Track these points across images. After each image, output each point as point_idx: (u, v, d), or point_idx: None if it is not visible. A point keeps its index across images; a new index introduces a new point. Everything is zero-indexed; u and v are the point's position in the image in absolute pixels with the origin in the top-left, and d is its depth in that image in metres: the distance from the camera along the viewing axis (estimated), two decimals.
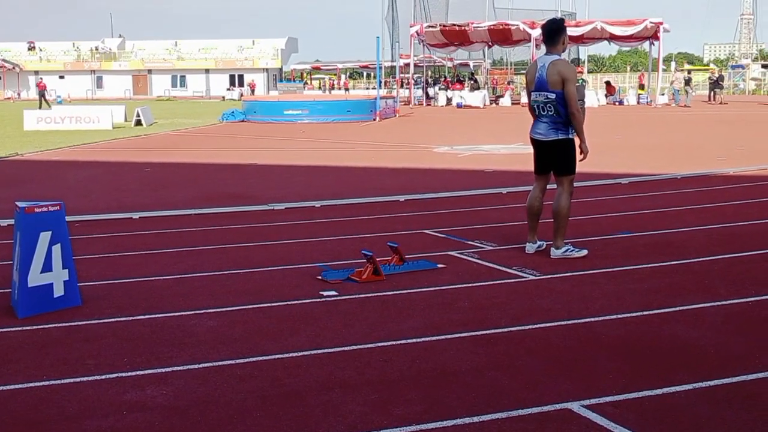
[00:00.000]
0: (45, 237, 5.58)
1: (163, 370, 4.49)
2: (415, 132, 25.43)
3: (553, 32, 7.10)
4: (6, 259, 7.15)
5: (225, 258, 7.46)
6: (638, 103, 45.79)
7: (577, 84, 7.71)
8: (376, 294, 6.02)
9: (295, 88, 67.43)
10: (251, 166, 15.81)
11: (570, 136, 7.10)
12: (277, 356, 4.70)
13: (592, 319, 5.35)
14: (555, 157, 7.14)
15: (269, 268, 7.00)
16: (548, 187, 7.40)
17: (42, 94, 46.94)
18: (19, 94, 74.60)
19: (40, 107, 39.29)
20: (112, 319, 5.47)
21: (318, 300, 5.91)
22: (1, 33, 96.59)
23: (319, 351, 4.76)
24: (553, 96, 6.94)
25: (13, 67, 79.05)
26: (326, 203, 10.64)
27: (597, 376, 4.32)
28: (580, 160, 7.21)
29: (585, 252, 7.13)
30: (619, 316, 5.42)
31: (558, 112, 6.97)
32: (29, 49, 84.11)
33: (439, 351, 4.77)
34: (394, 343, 4.92)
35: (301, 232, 8.81)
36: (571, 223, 7.35)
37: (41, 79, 58.74)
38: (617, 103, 46.16)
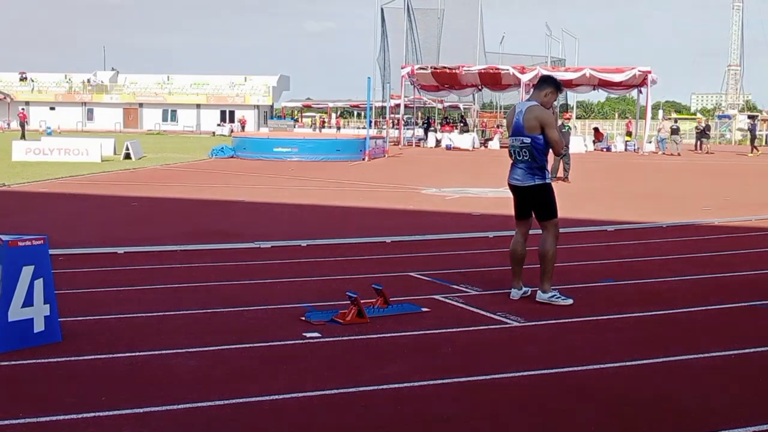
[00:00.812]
0: (27, 271, 5.54)
1: (142, 410, 4.43)
2: (404, 173, 25.52)
3: (540, 81, 7.30)
4: None
5: (209, 296, 7.42)
6: (626, 150, 46.16)
7: (562, 130, 7.81)
8: (359, 337, 5.99)
9: (286, 125, 67.66)
10: (239, 203, 15.80)
11: (547, 181, 7.18)
12: (258, 398, 4.65)
13: (577, 369, 5.33)
14: (533, 202, 7.21)
15: (254, 308, 6.96)
16: (531, 232, 7.43)
17: (23, 124, 47.22)
18: (8, 124, 74.54)
19: (22, 137, 39.48)
20: (92, 357, 5.41)
21: (301, 341, 5.87)
22: None
23: (301, 394, 4.72)
24: (528, 141, 7.04)
25: (4, 97, 79.09)
26: (313, 242, 10.63)
27: (582, 429, 4.29)
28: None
29: (570, 301, 7.12)
30: (604, 366, 5.40)
31: (533, 157, 7.06)
32: (21, 80, 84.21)
33: (422, 397, 4.74)
34: (376, 387, 4.88)
35: (287, 271, 8.79)
36: (557, 270, 7.36)
37: (22, 109, 58.86)
38: (605, 150, 46.52)
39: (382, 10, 59.47)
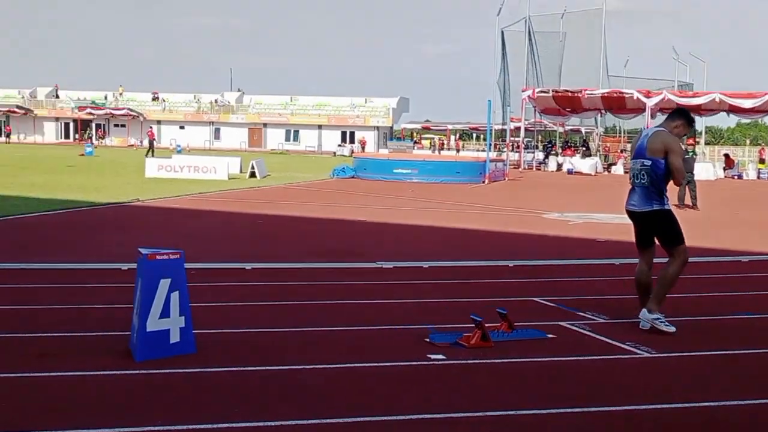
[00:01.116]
0: (165, 284, 5.76)
1: (272, 423, 4.52)
2: (525, 196, 25.26)
3: (674, 112, 7.38)
4: (122, 303, 7.42)
5: (333, 314, 7.52)
6: (758, 178, 44.27)
7: (686, 156, 7.64)
8: (484, 361, 5.94)
9: (405, 146, 68.14)
10: (360, 223, 15.99)
11: (665, 207, 6.98)
12: (382, 418, 4.67)
13: (711, 404, 5.12)
14: (654, 229, 7.05)
15: (377, 327, 7.01)
16: (656, 260, 7.22)
17: (151, 142, 49.78)
18: (141, 142, 77.92)
19: (149, 154, 41.67)
20: (224, 369, 5.56)
21: (425, 363, 5.87)
22: (128, 84, 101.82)
23: (428, 416, 4.71)
24: (648, 163, 6.90)
25: (138, 116, 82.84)
26: (434, 264, 10.63)
27: None
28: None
29: (673, 329, 6.83)
30: (740, 402, 5.17)
31: (652, 181, 6.91)
32: (153, 99, 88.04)
33: (549, 425, 4.65)
34: (502, 413, 4.82)
35: (409, 292, 8.81)
36: (688, 299, 7.13)
37: (151, 127, 61.60)
38: (736, 177, 44.75)
39: (502, 32, 59.28)
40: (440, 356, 6.00)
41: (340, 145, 74.89)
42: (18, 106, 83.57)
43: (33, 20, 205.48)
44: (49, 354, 5.83)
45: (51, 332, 6.48)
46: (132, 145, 76.15)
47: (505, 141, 52.14)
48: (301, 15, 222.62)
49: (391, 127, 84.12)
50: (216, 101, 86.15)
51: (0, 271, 9.21)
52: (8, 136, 79.50)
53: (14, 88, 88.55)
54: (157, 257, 5.75)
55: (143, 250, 5.79)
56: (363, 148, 72.09)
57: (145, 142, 61.48)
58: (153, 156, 38.28)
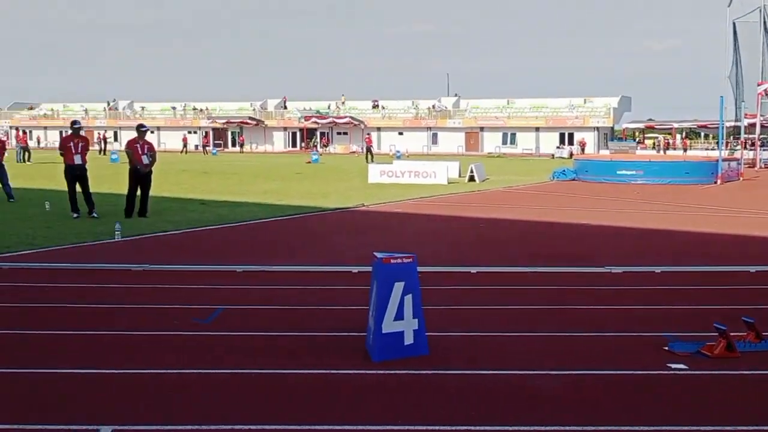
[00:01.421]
0: (399, 287, 5.88)
1: (508, 428, 4.49)
2: (764, 197, 23.60)
3: None
4: (354, 304, 7.67)
5: (564, 319, 7.37)
6: None
7: None
8: (731, 372, 5.58)
9: (628, 147, 65.85)
10: (583, 226, 15.59)
11: None
12: (621, 427, 4.50)
13: None
14: None
15: (609, 333, 6.79)
16: None
17: (368, 148, 51.53)
18: (362, 149, 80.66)
19: (368, 160, 43.40)
20: (457, 372, 5.60)
21: (665, 372, 5.60)
22: (350, 92, 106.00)
23: (674, 428, 4.49)
24: None
25: (359, 124, 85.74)
26: (667, 269, 10.15)
27: None
28: None
29: None
30: None
31: None
32: (373, 107, 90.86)
33: None
34: (755, 428, 4.50)
35: (642, 297, 8.47)
36: None
37: (368, 134, 63.66)
38: None
39: (734, 24, 55.86)
40: (681, 366, 5.71)
41: (558, 147, 73.65)
42: (250, 118, 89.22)
43: (265, 37, 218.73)
44: (291, 352, 6.13)
45: (290, 331, 6.81)
46: (354, 152, 78.92)
47: (737, 138, 49.06)
48: (519, 16, 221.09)
49: (612, 128, 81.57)
50: (433, 107, 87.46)
51: (248, 273, 9.82)
52: (242, 145, 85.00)
53: (247, 101, 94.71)
54: (392, 261, 5.88)
55: (378, 254, 5.94)
56: (583, 149, 70.44)
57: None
58: (372, 162, 39.54)
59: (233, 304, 7.95)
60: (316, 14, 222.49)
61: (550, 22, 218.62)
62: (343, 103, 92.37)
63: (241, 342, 6.48)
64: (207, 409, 4.82)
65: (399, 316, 5.88)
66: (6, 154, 20.27)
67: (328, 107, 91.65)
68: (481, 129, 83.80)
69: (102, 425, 4.52)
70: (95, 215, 15.45)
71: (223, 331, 6.80)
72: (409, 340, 5.92)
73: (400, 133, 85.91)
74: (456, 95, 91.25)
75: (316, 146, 78.62)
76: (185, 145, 73.25)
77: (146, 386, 5.33)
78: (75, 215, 15.48)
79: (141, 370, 5.66)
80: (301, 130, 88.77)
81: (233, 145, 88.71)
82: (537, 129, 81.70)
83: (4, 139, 28.86)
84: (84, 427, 4.50)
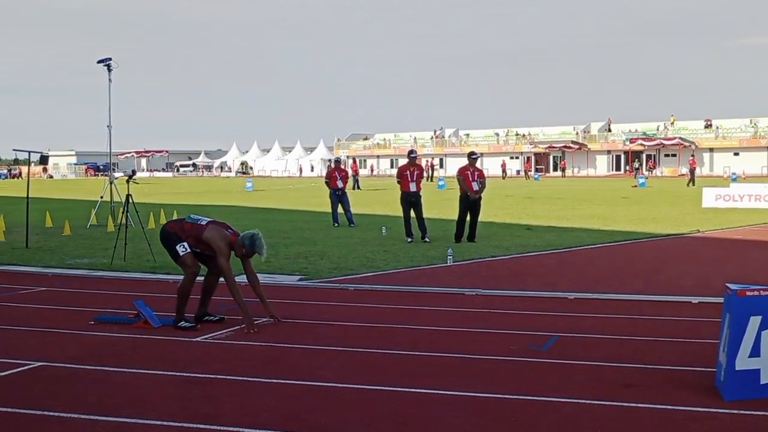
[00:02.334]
0: (755, 321, 5.42)
1: None
2: None
3: None
4: (696, 337, 7.21)
5: None
6: None
7: None
8: None
9: None
10: None
11: None
12: None
13: None
14: None
15: None
16: None
17: (692, 170, 49.83)
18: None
19: (691, 183, 41.85)
20: None
21: None
22: (680, 113, 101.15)
23: None
24: None
25: (689, 145, 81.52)
26: None
27: None
28: None
29: None
30: None
31: None
32: (705, 127, 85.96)
33: None
34: None
35: None
36: None
37: (692, 156, 60.75)
38: None
39: None
40: None
41: None
42: (573, 142, 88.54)
43: (590, 58, 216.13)
44: (633, 385, 5.88)
45: (631, 363, 6.54)
46: (683, 175, 75.21)
47: None
48: None
49: None
50: None
51: (580, 300, 9.66)
52: (563, 170, 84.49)
53: (570, 125, 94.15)
54: (747, 293, 5.43)
55: (732, 286, 5.52)
56: None
57: (697, 171, 60.35)
58: (693, 185, 37.47)
59: (567, 332, 7.82)
60: (643, 32, 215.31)
61: None
62: (672, 123, 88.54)
63: (582, 372, 6.33)
64: None
65: (755, 352, 5.42)
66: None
67: (657, 129, 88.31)
68: None
69: None
70: (427, 239, 16.10)
71: (563, 359, 6.71)
72: (765, 379, 5.42)
73: (736, 154, 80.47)
74: None
75: (640, 169, 75.94)
76: (504, 171, 74.36)
77: (488, 411, 5.39)
78: (409, 239, 16.26)
79: (483, 393, 5.74)
80: (625, 153, 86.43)
81: (554, 169, 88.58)
82: None
83: (347, 169, 31.32)
84: None
